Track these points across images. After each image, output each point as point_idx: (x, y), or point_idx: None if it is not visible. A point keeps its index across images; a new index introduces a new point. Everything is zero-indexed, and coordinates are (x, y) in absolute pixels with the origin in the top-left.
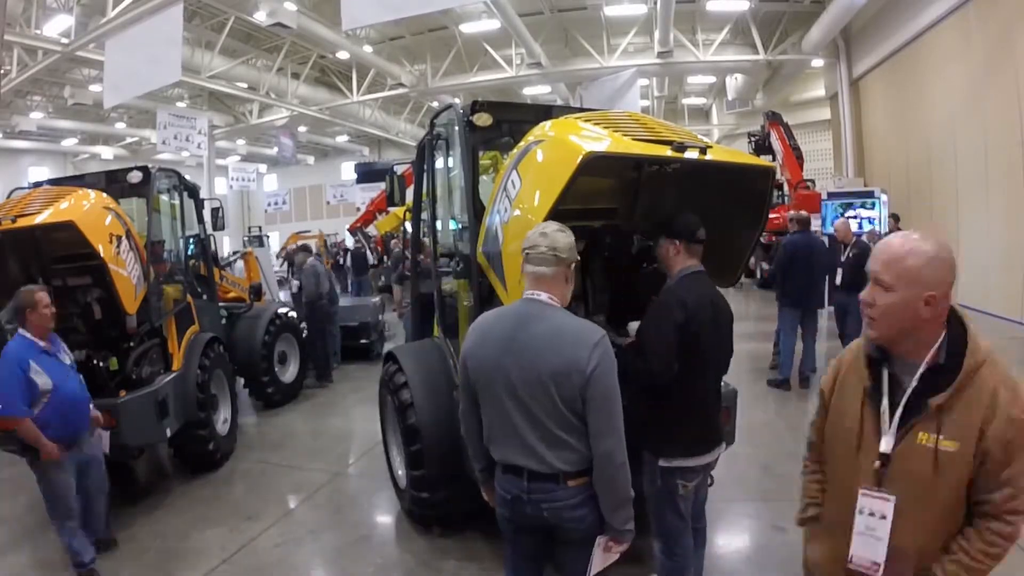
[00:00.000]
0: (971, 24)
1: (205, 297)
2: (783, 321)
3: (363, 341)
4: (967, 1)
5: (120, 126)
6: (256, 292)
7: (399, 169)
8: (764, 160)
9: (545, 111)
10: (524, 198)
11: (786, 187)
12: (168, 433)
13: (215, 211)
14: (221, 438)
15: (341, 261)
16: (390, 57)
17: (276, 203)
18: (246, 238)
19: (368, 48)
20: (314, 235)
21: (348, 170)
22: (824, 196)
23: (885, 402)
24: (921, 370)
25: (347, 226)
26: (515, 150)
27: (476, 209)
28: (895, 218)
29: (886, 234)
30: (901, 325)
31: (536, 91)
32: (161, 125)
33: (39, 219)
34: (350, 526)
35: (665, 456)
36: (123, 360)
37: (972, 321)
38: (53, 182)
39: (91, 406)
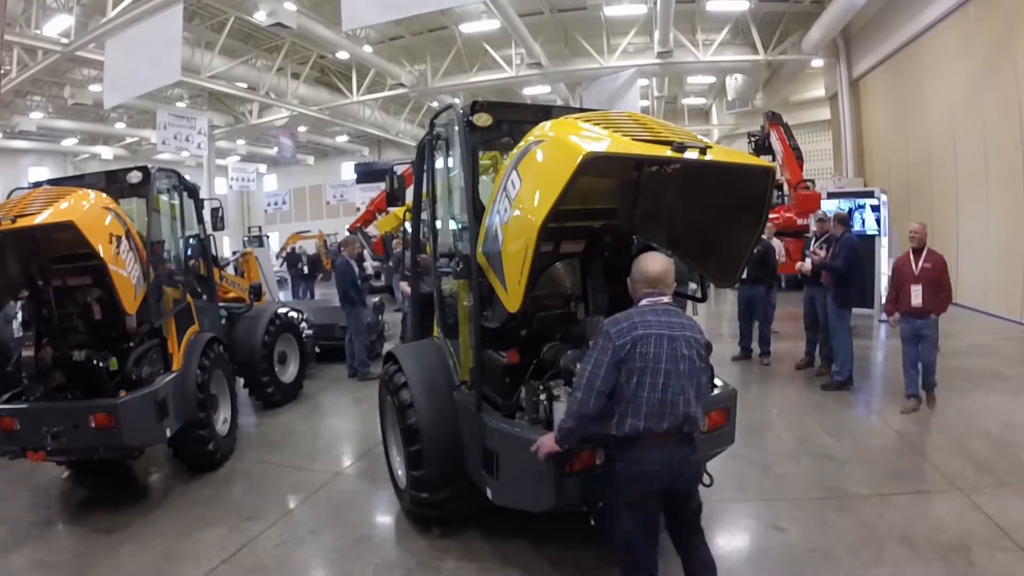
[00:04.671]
0: (971, 24)
1: (205, 297)
2: (840, 320)
3: None
4: (967, 1)
5: (120, 126)
6: (256, 292)
7: (399, 169)
8: (764, 160)
9: (545, 111)
10: (524, 198)
11: (786, 187)
12: (168, 433)
13: (215, 211)
14: (221, 438)
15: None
16: (390, 57)
17: (276, 203)
18: (246, 238)
19: (368, 48)
20: (314, 235)
21: (348, 170)
22: (824, 196)
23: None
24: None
25: (347, 226)
26: (515, 150)
27: (476, 209)
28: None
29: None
30: None
31: (536, 91)
32: (161, 125)
33: (39, 219)
34: (350, 526)
35: None
36: (123, 360)
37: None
38: (53, 182)
39: None
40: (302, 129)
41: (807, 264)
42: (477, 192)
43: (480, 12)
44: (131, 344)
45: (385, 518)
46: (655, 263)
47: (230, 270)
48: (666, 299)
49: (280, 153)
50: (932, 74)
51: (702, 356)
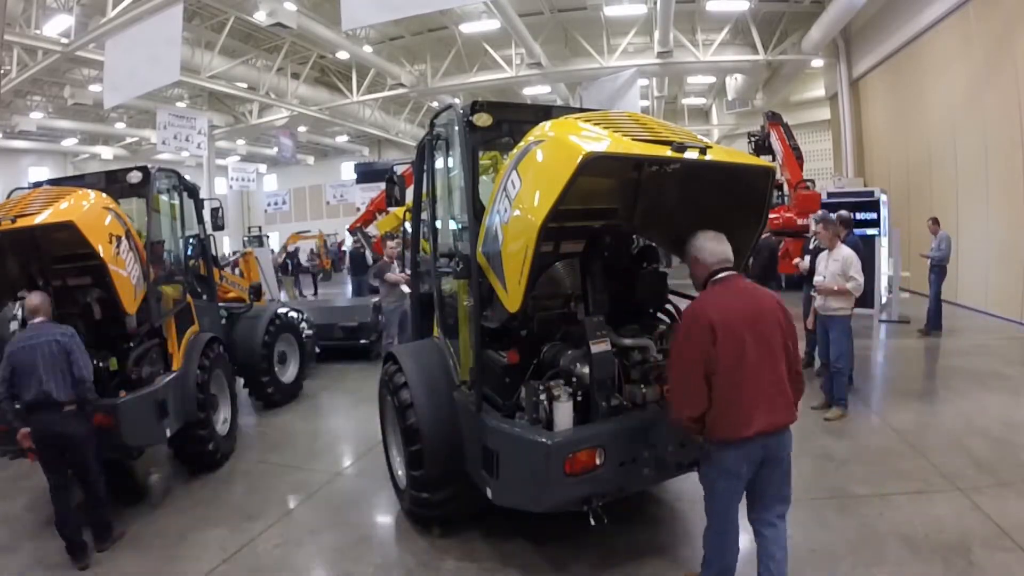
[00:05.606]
0: (971, 24)
1: (205, 297)
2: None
3: (363, 341)
4: (967, 1)
5: (120, 126)
6: (256, 292)
7: (399, 169)
8: (764, 160)
9: (545, 111)
10: (524, 198)
11: (786, 187)
12: (168, 433)
13: (215, 211)
14: (221, 438)
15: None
16: (390, 57)
17: (276, 203)
18: (246, 238)
19: (368, 48)
20: (314, 235)
21: (348, 170)
22: (824, 196)
23: None
24: None
25: (347, 226)
26: (515, 150)
27: (476, 209)
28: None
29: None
30: None
31: (536, 91)
32: (161, 125)
33: (39, 219)
34: (350, 526)
35: None
36: (123, 360)
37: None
38: (53, 182)
39: None
40: (302, 129)
41: (806, 263)
42: (477, 192)
43: (480, 12)
44: (131, 344)
45: (385, 518)
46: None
47: (230, 270)
48: (37, 319)
49: (280, 153)
50: (932, 74)
51: (60, 348)
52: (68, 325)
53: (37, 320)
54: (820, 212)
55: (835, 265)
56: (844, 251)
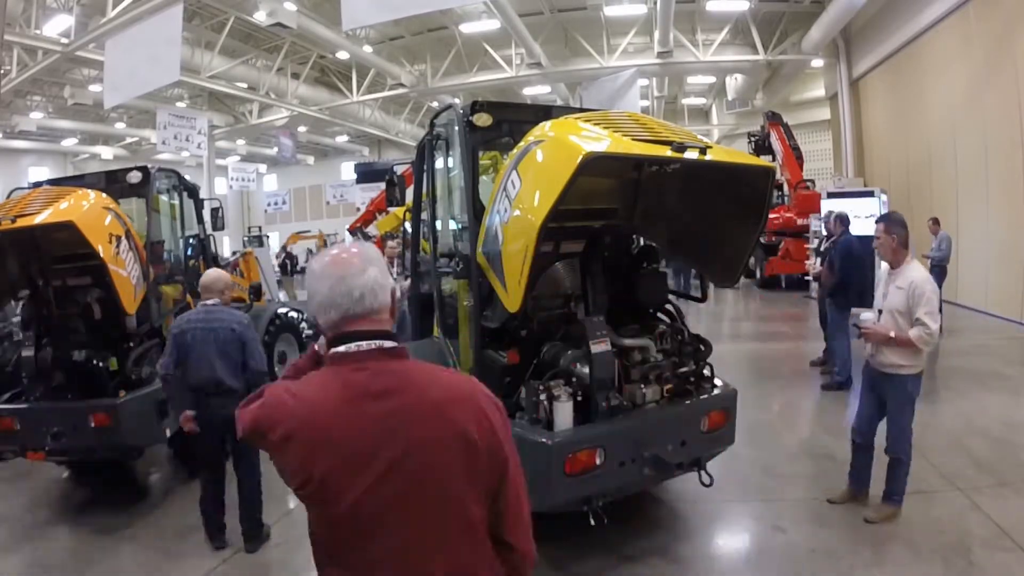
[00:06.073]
0: (971, 24)
1: None
2: (837, 322)
3: None
4: (967, 1)
5: (120, 126)
6: (256, 292)
7: (399, 169)
8: (764, 160)
9: (545, 111)
10: (524, 198)
11: (786, 187)
12: (168, 433)
13: (215, 211)
14: None
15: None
16: (390, 57)
17: (276, 203)
18: (246, 238)
19: (368, 48)
20: (314, 235)
21: (348, 170)
22: (824, 196)
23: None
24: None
25: (347, 226)
26: (515, 150)
27: (476, 209)
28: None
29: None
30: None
31: (536, 91)
32: (161, 125)
33: (39, 219)
34: None
35: None
36: (123, 360)
37: None
38: (53, 182)
39: None
40: (302, 129)
41: (817, 265)
42: (477, 192)
43: (480, 12)
44: (131, 344)
45: None
46: (205, 277)
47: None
48: (211, 301)
49: (280, 153)
50: (932, 74)
51: (234, 338)
52: (240, 313)
53: (211, 302)
54: (889, 212)
55: (898, 296)
56: (914, 273)
